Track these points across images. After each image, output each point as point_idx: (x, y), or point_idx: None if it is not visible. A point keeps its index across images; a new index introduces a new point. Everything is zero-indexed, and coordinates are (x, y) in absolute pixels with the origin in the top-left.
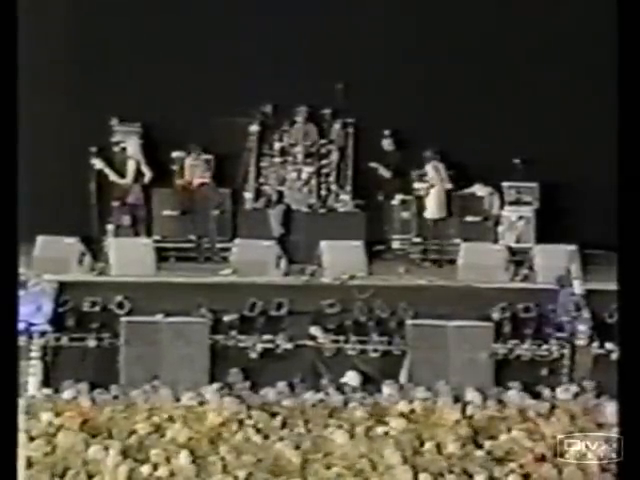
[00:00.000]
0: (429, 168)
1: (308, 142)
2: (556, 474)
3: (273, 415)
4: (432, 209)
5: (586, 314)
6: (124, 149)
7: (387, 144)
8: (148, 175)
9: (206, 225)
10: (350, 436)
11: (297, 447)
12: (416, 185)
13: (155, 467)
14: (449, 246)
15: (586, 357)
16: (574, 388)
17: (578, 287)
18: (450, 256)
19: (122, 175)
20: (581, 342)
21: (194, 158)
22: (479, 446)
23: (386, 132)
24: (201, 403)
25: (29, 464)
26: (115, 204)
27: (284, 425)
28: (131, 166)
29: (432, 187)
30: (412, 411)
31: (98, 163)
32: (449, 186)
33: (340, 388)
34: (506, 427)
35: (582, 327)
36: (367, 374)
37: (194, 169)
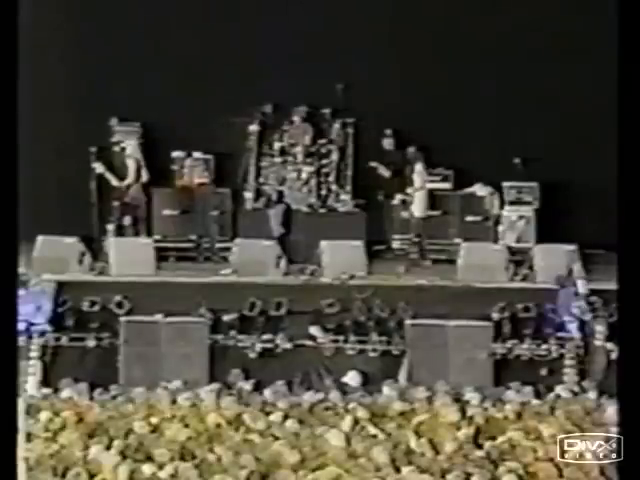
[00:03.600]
0: (419, 167)
1: (305, 142)
2: (556, 474)
3: (272, 415)
4: (419, 207)
5: (602, 313)
6: (124, 149)
7: (388, 144)
8: (145, 176)
9: (206, 225)
10: (349, 436)
11: (296, 447)
12: (409, 189)
13: (156, 467)
14: (449, 246)
15: (602, 357)
16: (574, 388)
17: (582, 287)
18: (450, 256)
19: (121, 176)
20: (598, 342)
21: (194, 159)
22: (478, 446)
23: (387, 131)
24: (200, 403)
25: (28, 464)
26: (115, 204)
27: (283, 425)
28: (131, 165)
29: (420, 186)
30: (411, 411)
31: (99, 167)
32: (431, 185)
33: (340, 388)
34: (505, 427)
35: (599, 327)
36: (366, 374)
37: (194, 169)
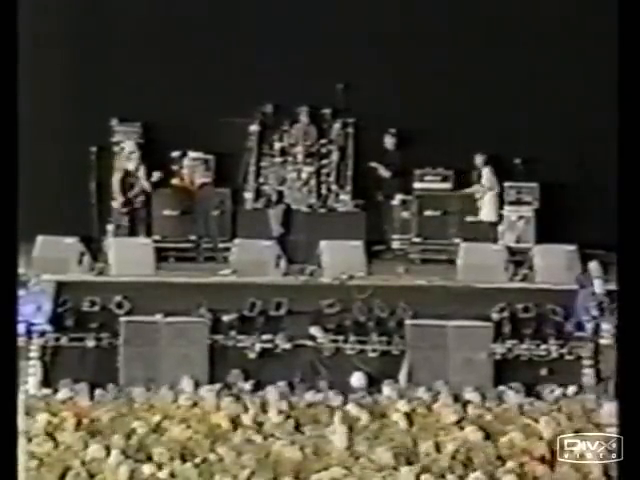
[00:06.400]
0: (487, 171)
1: (308, 142)
2: (556, 474)
3: (272, 415)
4: (489, 212)
5: (609, 313)
6: (133, 152)
7: (390, 143)
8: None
9: (206, 225)
10: (349, 436)
11: (296, 447)
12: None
13: (157, 467)
14: (449, 246)
15: (610, 356)
16: (574, 388)
17: (599, 285)
18: (449, 256)
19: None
20: (605, 341)
21: (194, 158)
22: (478, 446)
23: (392, 130)
24: (200, 403)
25: (29, 464)
26: (115, 205)
27: (283, 425)
28: (143, 169)
29: (489, 190)
30: (411, 411)
31: (156, 175)
32: (497, 190)
33: (340, 388)
34: (505, 427)
35: (606, 326)
36: (366, 374)
37: (194, 169)
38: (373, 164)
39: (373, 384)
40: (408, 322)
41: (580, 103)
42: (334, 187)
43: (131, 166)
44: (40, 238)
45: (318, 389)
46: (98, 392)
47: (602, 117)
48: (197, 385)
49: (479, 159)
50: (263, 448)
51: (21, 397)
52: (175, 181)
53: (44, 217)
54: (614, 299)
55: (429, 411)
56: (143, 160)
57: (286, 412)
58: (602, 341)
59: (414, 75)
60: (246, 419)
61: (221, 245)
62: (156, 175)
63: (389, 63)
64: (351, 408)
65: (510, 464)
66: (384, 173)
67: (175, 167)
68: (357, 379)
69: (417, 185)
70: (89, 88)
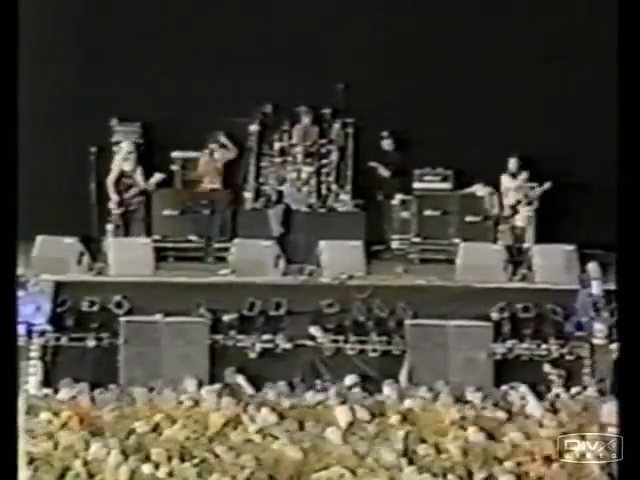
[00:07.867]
0: (524, 176)
1: (308, 142)
2: (556, 474)
3: (272, 415)
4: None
5: (605, 313)
6: (131, 152)
7: (387, 145)
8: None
9: (206, 225)
10: (350, 436)
11: (297, 447)
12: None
13: (154, 467)
14: (448, 246)
15: (606, 356)
16: (574, 387)
17: (597, 287)
18: (449, 256)
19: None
20: (599, 341)
21: (211, 160)
22: (479, 445)
23: (384, 133)
24: (200, 403)
25: (29, 464)
26: (110, 205)
27: (283, 425)
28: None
29: (509, 192)
30: (411, 411)
31: (157, 177)
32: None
33: (340, 388)
34: (505, 426)
35: (599, 326)
36: (366, 374)
37: (207, 170)
38: (373, 164)
39: (373, 384)
40: (408, 322)
41: (580, 103)
42: (334, 187)
43: (128, 167)
44: (39, 238)
45: (318, 389)
46: (98, 392)
47: (602, 117)
48: (197, 385)
49: (513, 163)
50: (262, 448)
51: (21, 397)
52: (194, 175)
53: (44, 217)
54: (611, 299)
55: (429, 411)
56: (142, 160)
57: (286, 412)
58: (596, 341)
59: (414, 75)
60: (246, 419)
61: (220, 245)
62: (158, 177)
63: (389, 63)
64: (351, 408)
65: (510, 464)
66: (384, 173)
67: (176, 166)
68: (350, 379)
69: (417, 185)
70: (89, 88)
